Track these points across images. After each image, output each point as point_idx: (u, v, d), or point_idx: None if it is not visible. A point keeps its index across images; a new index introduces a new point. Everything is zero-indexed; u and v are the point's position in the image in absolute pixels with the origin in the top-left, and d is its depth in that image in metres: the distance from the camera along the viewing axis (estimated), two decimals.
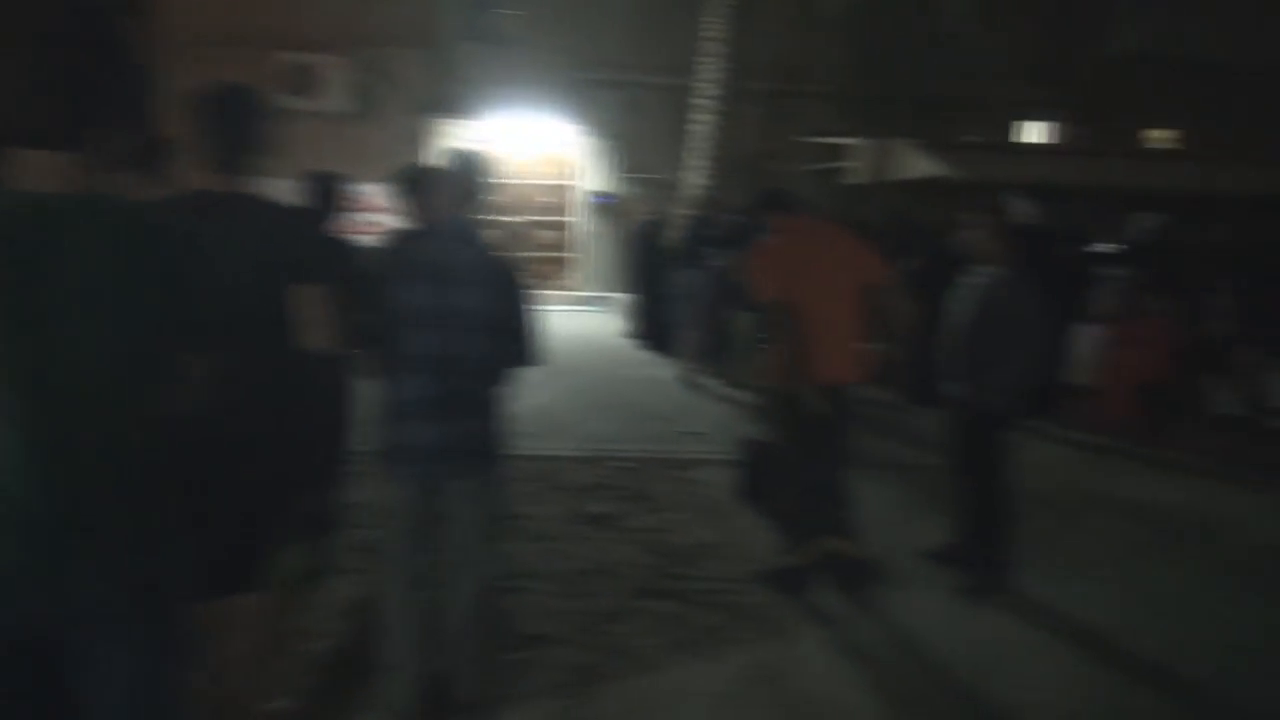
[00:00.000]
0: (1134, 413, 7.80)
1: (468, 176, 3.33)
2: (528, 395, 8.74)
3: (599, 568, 4.70)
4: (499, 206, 15.32)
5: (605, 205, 15.48)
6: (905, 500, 5.98)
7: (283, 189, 3.24)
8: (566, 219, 15.76)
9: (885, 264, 4.45)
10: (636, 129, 15.35)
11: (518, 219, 15.59)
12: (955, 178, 11.10)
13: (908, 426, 7.67)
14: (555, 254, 15.79)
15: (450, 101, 14.79)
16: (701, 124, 13.54)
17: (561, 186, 15.72)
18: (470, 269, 3.14)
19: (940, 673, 3.83)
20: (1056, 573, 4.92)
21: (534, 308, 3.34)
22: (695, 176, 13.72)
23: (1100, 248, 8.98)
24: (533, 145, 15.45)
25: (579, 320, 13.92)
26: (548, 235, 15.76)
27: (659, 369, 10.25)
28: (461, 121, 14.84)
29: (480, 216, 3.49)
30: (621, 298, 13.42)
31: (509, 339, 3.18)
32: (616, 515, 5.49)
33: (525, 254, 15.74)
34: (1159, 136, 18.52)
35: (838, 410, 4.37)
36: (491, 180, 3.50)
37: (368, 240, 12.95)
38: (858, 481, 4.62)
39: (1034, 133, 18.33)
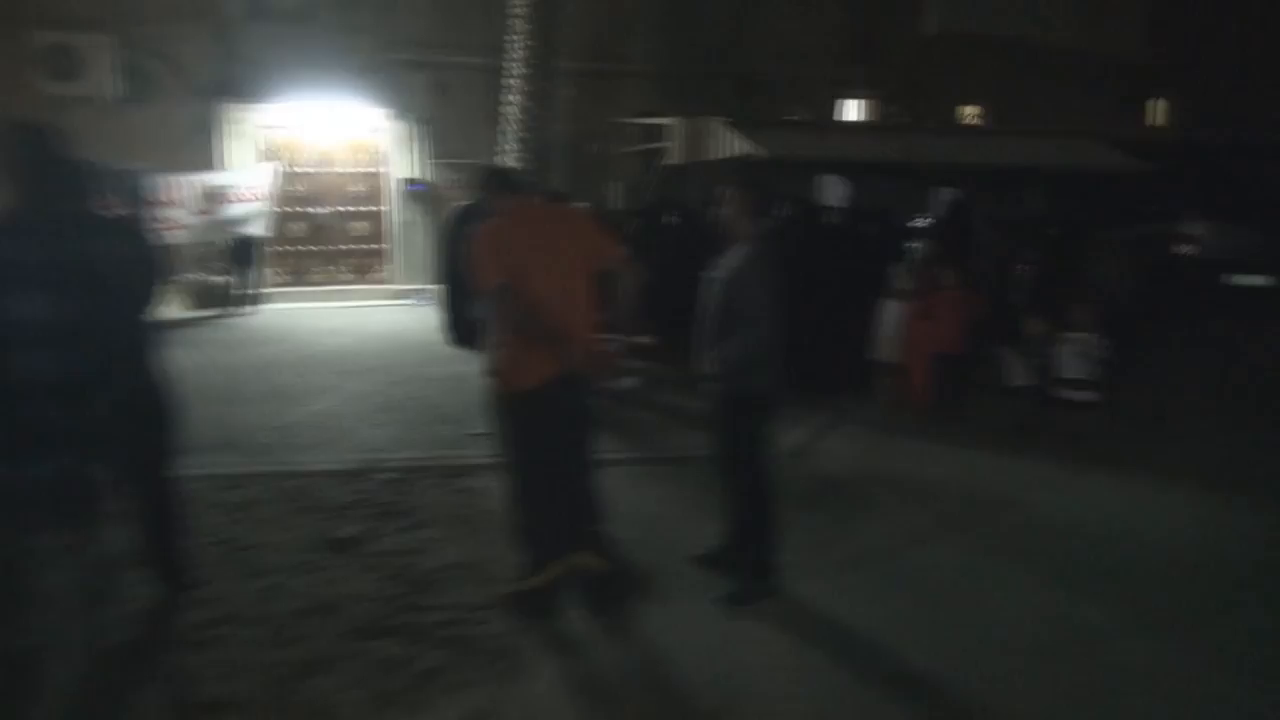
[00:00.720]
0: (930, 388, 7.73)
1: (30, 156, 2.64)
2: (306, 401, 8.10)
3: (322, 605, 4.11)
4: (305, 197, 14.33)
5: (417, 193, 14.68)
6: (678, 497, 5.63)
7: None
8: (379, 208, 14.87)
9: (618, 245, 4.04)
10: (446, 112, 14.60)
11: (325, 210, 14.60)
12: (766, 156, 10.90)
13: (689, 412, 7.37)
14: (369, 246, 14.88)
15: (240, 85, 13.67)
16: (512, 106, 12.94)
17: (371, 174, 14.81)
18: (43, 269, 2.49)
19: (684, 703, 3.44)
20: (830, 569, 4.65)
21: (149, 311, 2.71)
22: (508, 161, 13.11)
23: (909, 224, 8.91)
24: (337, 131, 14.48)
25: (392, 316, 13.14)
26: (359, 226, 14.83)
27: (466, 366, 9.60)
28: (254, 106, 13.74)
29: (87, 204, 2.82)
30: (437, 290, 12.72)
31: (95, 353, 2.55)
32: (364, 538, 4.90)
33: (336, 246, 14.80)
34: (970, 113, 19.05)
35: (573, 407, 3.92)
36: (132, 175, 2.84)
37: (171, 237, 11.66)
38: (624, 480, 4.20)
39: (853, 111, 18.54)
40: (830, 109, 18.01)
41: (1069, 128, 15.89)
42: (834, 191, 9.46)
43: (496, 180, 4.01)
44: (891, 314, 7.99)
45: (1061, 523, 5.38)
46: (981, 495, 5.85)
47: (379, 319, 12.83)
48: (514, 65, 12.78)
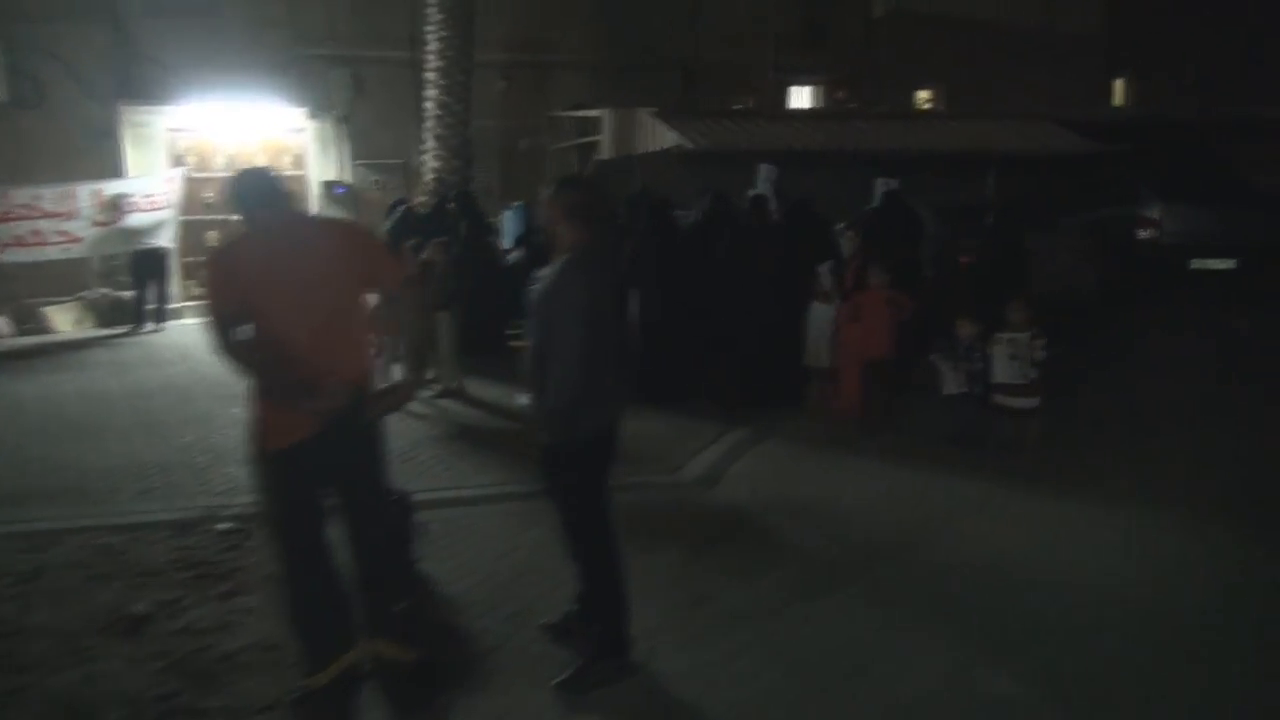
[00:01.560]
0: (861, 396, 7.08)
1: None
2: (173, 434, 7.25)
3: (70, 714, 3.39)
4: (215, 204, 13.52)
5: (340, 197, 13.90)
6: (555, 540, 4.92)
7: None
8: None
9: (397, 265, 3.36)
10: (367, 109, 13.86)
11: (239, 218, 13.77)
12: (691, 148, 10.23)
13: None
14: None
15: (142, 85, 12.86)
16: (432, 101, 12.19)
17: (291, 177, 14.00)
18: None
19: None
20: (706, 633, 3.98)
21: None
22: (428, 160, 12.39)
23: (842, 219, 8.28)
24: (252, 132, 13.68)
25: None
26: None
27: None
28: (158, 108, 12.93)
29: None
30: None
31: None
32: (162, 613, 4.18)
33: None
34: (924, 98, 18.44)
35: (345, 463, 3.22)
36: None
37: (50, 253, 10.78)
38: (492, 521, 3.52)
39: (804, 98, 17.91)
40: (780, 97, 17.36)
41: (1025, 111, 15.31)
42: (766, 181, 8.79)
43: (249, 192, 3.28)
44: (820, 317, 7.34)
45: (981, 562, 4.72)
46: (896, 527, 5.18)
47: None
48: (430, 58, 12.04)
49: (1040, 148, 13.06)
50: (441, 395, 8.25)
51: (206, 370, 9.56)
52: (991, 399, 6.36)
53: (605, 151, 12.79)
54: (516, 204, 14.30)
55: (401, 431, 6.81)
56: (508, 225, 12.13)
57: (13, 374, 9.58)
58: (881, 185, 8.62)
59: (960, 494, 5.68)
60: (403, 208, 10.43)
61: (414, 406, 7.80)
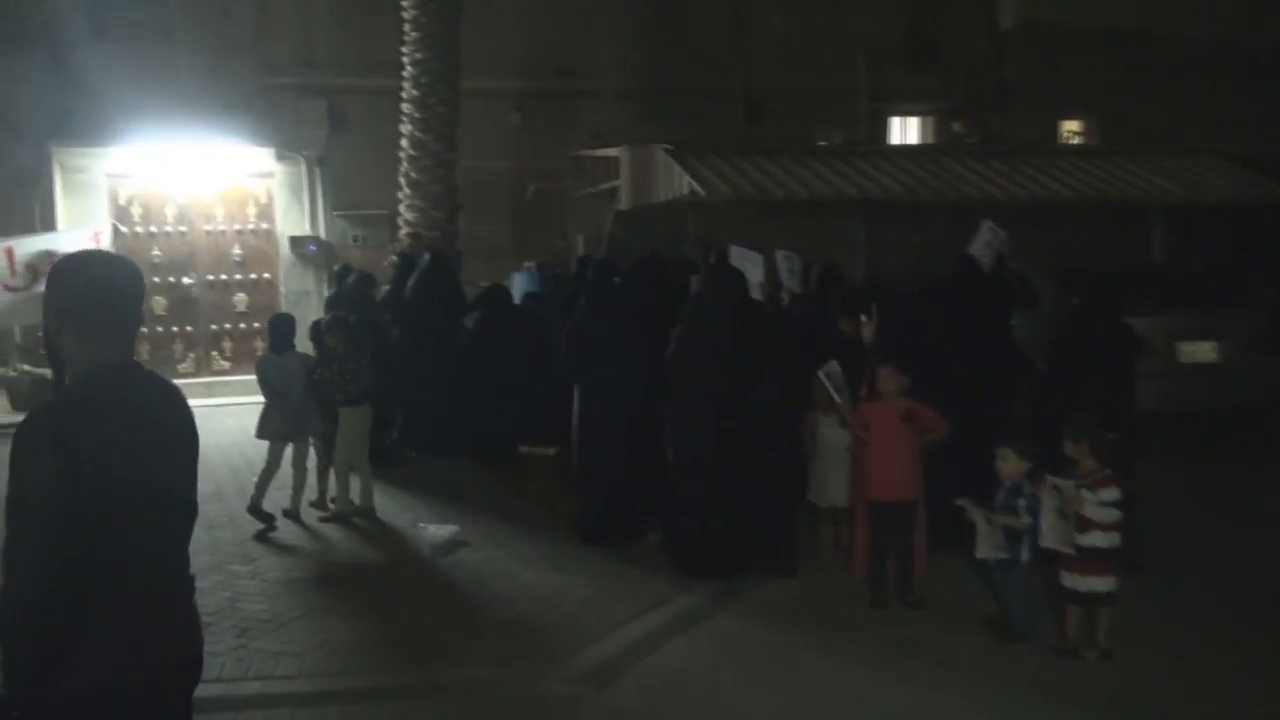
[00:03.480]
0: (869, 552, 5.74)
1: None
2: None
3: None
4: (167, 264, 13.18)
5: (313, 255, 13.37)
6: None
7: None
8: (266, 275, 13.60)
9: None
10: (347, 149, 13.33)
11: (193, 280, 13.38)
12: (703, 197, 9.16)
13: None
14: (253, 324, 13.53)
15: (80, 124, 12.64)
16: (407, 139, 11.53)
17: (256, 231, 13.59)
18: None
19: None
20: None
21: None
22: (404, 210, 11.69)
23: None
24: (210, 178, 13.31)
25: None
26: (245, 299, 13.56)
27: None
28: (98, 150, 12.69)
29: None
30: None
31: None
32: None
33: (210, 326, 13.53)
34: (1070, 129, 16.92)
35: None
36: None
37: None
38: None
39: (911, 131, 16.68)
40: (879, 130, 16.18)
41: (1202, 146, 13.73)
42: (986, 245, 7.38)
43: None
44: (831, 437, 6.09)
45: None
46: None
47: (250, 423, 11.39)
48: (405, 86, 11.41)
49: (1208, 192, 11.54)
50: (333, 518, 7.34)
51: None
52: (1051, 574, 4.96)
53: (624, 199, 11.84)
54: (528, 264, 13.54)
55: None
56: (516, 290, 11.32)
57: None
58: (985, 239, 7.23)
59: None
60: (352, 276, 9.70)
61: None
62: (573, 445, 6.89)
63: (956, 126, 16.30)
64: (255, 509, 7.10)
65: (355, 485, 7.41)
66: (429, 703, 4.61)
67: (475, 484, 8.28)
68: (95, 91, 12.73)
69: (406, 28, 11.22)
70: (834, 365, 5.79)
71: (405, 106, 11.39)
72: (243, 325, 13.60)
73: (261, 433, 7.29)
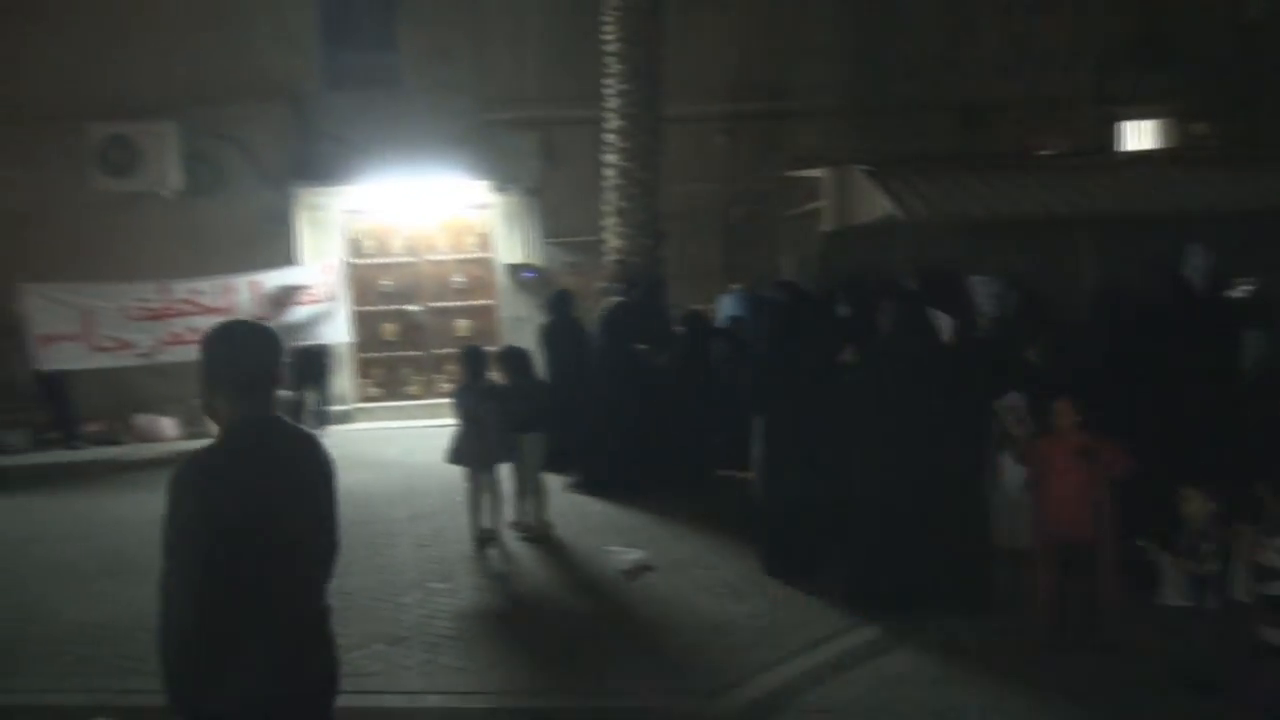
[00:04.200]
0: (1051, 595, 5.53)
1: None
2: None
3: None
4: (396, 292, 14.12)
5: (529, 281, 13.99)
6: None
7: None
8: (487, 302, 14.34)
9: None
10: (558, 179, 13.87)
11: (420, 307, 14.26)
12: (902, 219, 8.99)
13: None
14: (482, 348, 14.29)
15: (319, 166, 13.77)
16: (613, 169, 11.90)
17: (476, 260, 14.36)
18: None
19: None
20: None
21: None
22: (610, 238, 12.06)
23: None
24: (433, 211, 14.19)
25: None
26: (467, 325, 14.35)
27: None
28: (335, 189, 13.77)
29: None
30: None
31: None
32: None
33: (435, 350, 14.37)
34: None
35: None
36: None
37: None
38: None
39: (1145, 136, 15.72)
40: (1106, 135, 15.35)
41: None
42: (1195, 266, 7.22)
43: None
44: (1015, 476, 5.94)
45: None
46: None
47: None
48: (609, 117, 11.79)
49: None
50: (525, 537, 7.75)
51: (363, 490, 9.64)
52: (1251, 629, 4.65)
53: (827, 221, 11.77)
54: (735, 287, 13.66)
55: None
56: (723, 314, 11.52)
57: (132, 487, 10.18)
58: (1196, 260, 6.84)
59: None
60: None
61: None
62: (756, 475, 6.99)
63: (1197, 129, 15.26)
64: (477, 535, 7.60)
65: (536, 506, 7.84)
66: None
67: (670, 509, 8.43)
68: (333, 135, 13.86)
69: (609, 60, 11.59)
70: (1014, 397, 5.63)
71: (609, 136, 11.75)
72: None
73: (454, 460, 7.74)
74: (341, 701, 5.00)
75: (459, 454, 7.72)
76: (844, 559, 6.35)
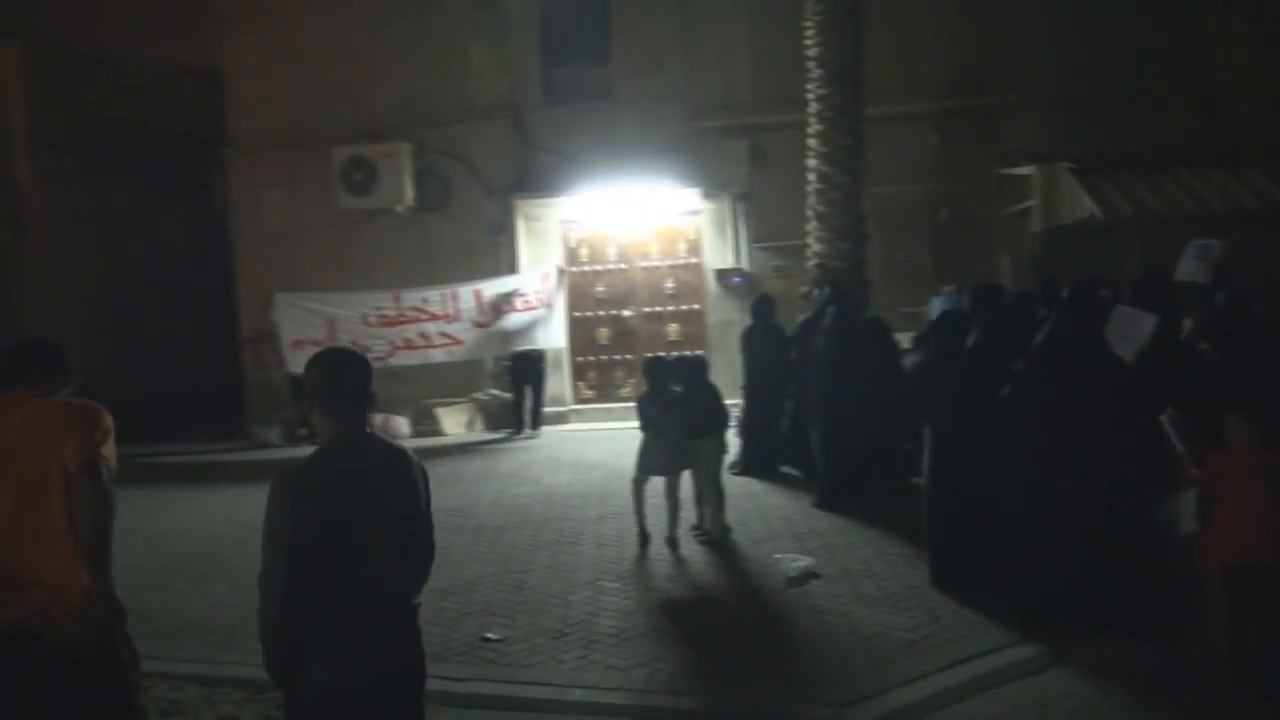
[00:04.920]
0: (1226, 619, 5.23)
1: None
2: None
3: None
4: (609, 298, 14.66)
5: (735, 286, 14.21)
6: None
7: None
8: (696, 307, 14.66)
9: (86, 443, 3.35)
10: (767, 184, 14.01)
11: (632, 312, 14.74)
12: (1101, 218, 8.56)
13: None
14: (689, 352, 14.66)
15: (537, 178, 14.49)
16: (814, 173, 11.96)
17: (685, 266, 14.70)
18: None
19: None
20: None
21: None
22: (811, 242, 12.13)
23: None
24: (644, 219, 14.63)
25: None
26: (677, 329, 14.73)
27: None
28: (552, 200, 14.45)
29: None
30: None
31: None
32: None
33: (646, 354, 14.80)
34: None
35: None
36: None
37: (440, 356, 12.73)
38: None
39: None
40: None
41: None
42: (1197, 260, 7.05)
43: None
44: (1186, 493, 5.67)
45: None
46: None
47: None
48: (810, 121, 11.85)
49: None
50: (703, 540, 8.00)
51: (520, 491, 10.24)
52: None
53: (1037, 220, 11.33)
54: (946, 289, 13.38)
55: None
56: (934, 314, 11.39)
57: None
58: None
59: None
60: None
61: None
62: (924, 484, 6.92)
63: None
64: (641, 538, 7.95)
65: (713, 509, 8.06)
66: None
67: (855, 517, 8.43)
68: (550, 148, 14.56)
69: (810, 65, 11.65)
70: (1173, 412, 5.36)
71: (810, 141, 11.81)
72: (675, 354, 14.72)
73: (643, 471, 8.04)
74: (494, 690, 5.50)
75: (644, 464, 8.04)
76: (1008, 572, 6.22)
